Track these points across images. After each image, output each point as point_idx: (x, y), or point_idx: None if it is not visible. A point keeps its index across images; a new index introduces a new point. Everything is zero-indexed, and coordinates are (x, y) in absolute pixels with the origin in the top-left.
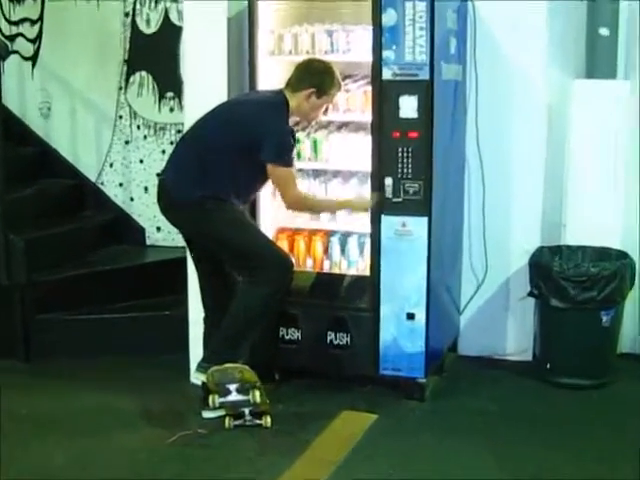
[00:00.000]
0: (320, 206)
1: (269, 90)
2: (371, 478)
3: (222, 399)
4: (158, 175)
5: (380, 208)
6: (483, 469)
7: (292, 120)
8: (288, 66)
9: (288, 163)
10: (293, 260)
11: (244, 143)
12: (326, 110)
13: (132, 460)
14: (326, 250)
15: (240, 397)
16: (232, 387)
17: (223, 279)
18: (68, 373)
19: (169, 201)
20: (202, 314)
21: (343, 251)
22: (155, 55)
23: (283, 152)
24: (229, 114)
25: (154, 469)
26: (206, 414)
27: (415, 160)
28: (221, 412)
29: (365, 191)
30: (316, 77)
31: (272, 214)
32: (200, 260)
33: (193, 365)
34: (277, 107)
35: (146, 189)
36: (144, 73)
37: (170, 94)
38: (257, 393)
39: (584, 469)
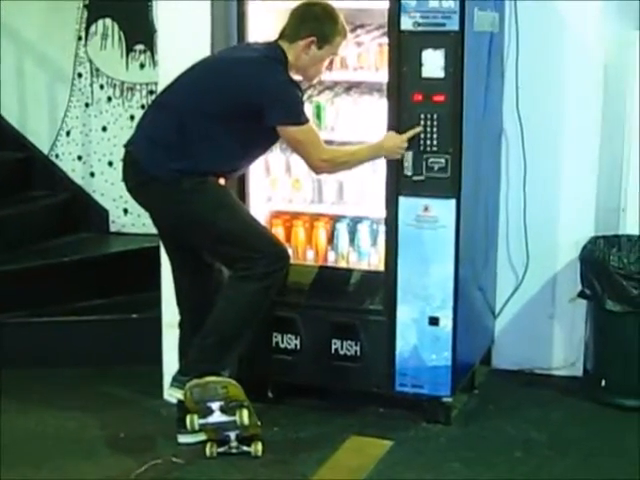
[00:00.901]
0: (355, 159)
1: (261, 43)
2: None
3: (203, 420)
4: (125, 146)
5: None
6: None
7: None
8: (284, 14)
9: (303, 120)
10: (289, 250)
11: (237, 108)
12: (330, 65)
13: None
14: (331, 239)
15: (224, 418)
16: (215, 406)
17: (203, 274)
18: (14, 388)
19: (138, 178)
20: (178, 317)
21: (352, 240)
22: None
23: (293, 108)
24: (215, 74)
25: None
26: (183, 439)
27: (441, 129)
28: (201, 437)
29: (380, 167)
30: (315, 23)
31: (264, 194)
32: (175, 251)
33: (167, 378)
34: (274, 62)
35: (110, 163)
36: (108, 21)
37: (140, 47)
38: (245, 413)
39: None
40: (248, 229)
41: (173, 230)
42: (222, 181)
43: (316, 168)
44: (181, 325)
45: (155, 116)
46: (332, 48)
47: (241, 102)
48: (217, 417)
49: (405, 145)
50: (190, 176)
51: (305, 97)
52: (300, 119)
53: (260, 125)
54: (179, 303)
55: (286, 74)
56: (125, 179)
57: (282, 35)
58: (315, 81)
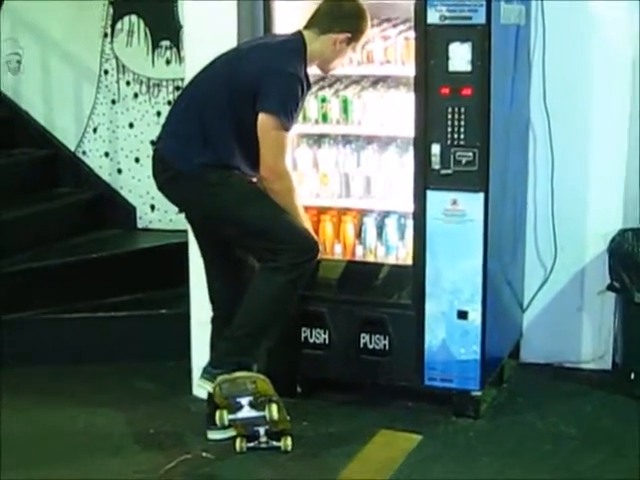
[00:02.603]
0: (289, 198)
1: (284, 33)
2: None
3: (232, 415)
4: (153, 144)
5: None
6: None
7: (315, 75)
8: (311, 8)
9: (286, 122)
10: (319, 241)
11: (249, 93)
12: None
13: None
14: (359, 234)
15: (254, 413)
16: (244, 401)
17: (235, 269)
18: (43, 385)
19: (166, 174)
20: (209, 312)
21: (380, 235)
22: None
23: (286, 104)
24: (231, 65)
25: None
26: (212, 435)
27: (468, 123)
28: (231, 432)
29: (407, 161)
30: (353, 20)
31: None
32: (207, 246)
33: (196, 374)
34: (288, 52)
35: (137, 160)
36: (134, 17)
37: (166, 43)
38: (274, 408)
39: None
40: (275, 221)
41: (204, 224)
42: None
43: (264, 168)
44: (213, 320)
45: (178, 112)
46: (356, 45)
47: (253, 87)
48: (246, 412)
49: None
50: (214, 169)
51: (331, 91)
52: (284, 117)
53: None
54: (212, 298)
55: (298, 67)
56: (155, 176)
57: (311, 23)
58: (329, 74)
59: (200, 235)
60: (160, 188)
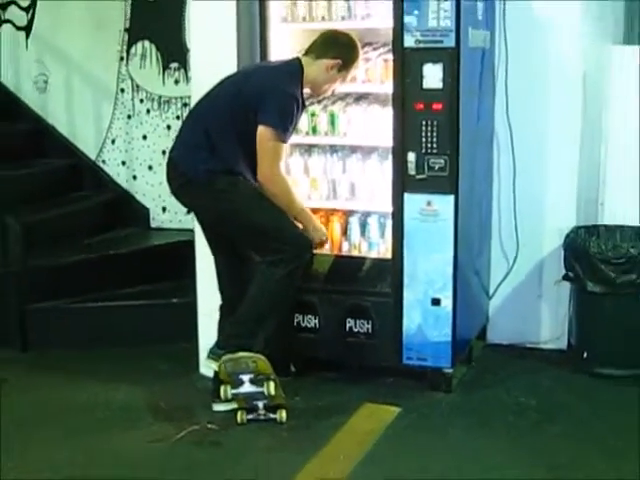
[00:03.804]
0: (288, 198)
1: (283, 60)
2: (393, 478)
3: (234, 390)
4: (164, 153)
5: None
6: (517, 469)
7: (307, 94)
8: (302, 35)
9: (282, 134)
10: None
11: (252, 108)
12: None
13: (136, 459)
14: (345, 231)
15: (254, 388)
16: (245, 378)
17: (241, 265)
18: (68, 365)
19: (179, 180)
20: (212, 301)
21: (363, 232)
22: (159, 23)
23: (283, 119)
24: (237, 85)
25: (160, 468)
26: (217, 407)
27: (440, 134)
28: (233, 405)
29: (387, 167)
30: (344, 49)
31: None
32: (217, 244)
33: (202, 356)
34: (287, 75)
35: (150, 167)
36: (147, 43)
37: (175, 65)
38: (272, 385)
39: (624, 470)
40: (277, 223)
41: (214, 225)
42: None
43: (260, 174)
44: (221, 308)
45: (189, 125)
46: (346, 74)
47: (253, 103)
48: (247, 388)
49: (325, 238)
50: (221, 175)
51: (320, 107)
52: (282, 130)
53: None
54: (220, 290)
55: (294, 88)
56: (168, 181)
57: (309, 50)
58: (321, 96)
59: (210, 235)
60: (173, 192)
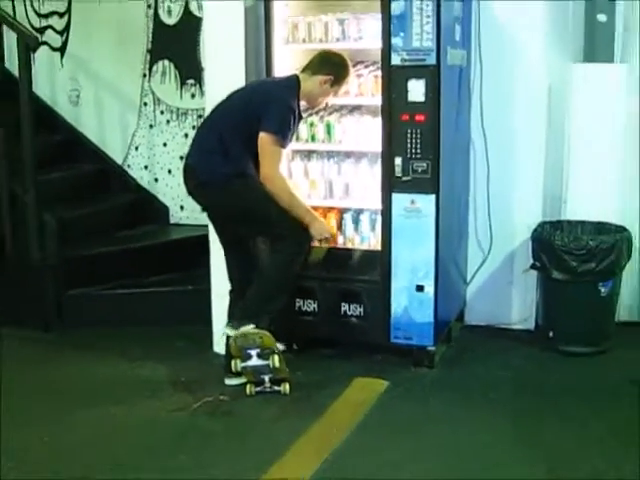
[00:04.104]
0: (290, 199)
1: (286, 75)
2: (382, 444)
3: (244, 364)
4: (182, 158)
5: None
6: (490, 434)
7: (305, 106)
8: (302, 54)
9: (281, 140)
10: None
11: (257, 117)
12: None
13: (159, 425)
14: (340, 226)
15: (260, 362)
16: (253, 352)
17: (248, 256)
18: (98, 344)
19: (195, 182)
20: (224, 288)
21: (356, 227)
22: (176, 44)
23: (282, 127)
24: (245, 98)
25: (178, 435)
26: (229, 381)
27: (423, 141)
28: (242, 379)
29: (377, 170)
30: (336, 67)
31: None
32: (227, 237)
33: (216, 336)
34: (286, 88)
35: (170, 171)
36: (166, 62)
37: (191, 81)
38: (276, 358)
39: (583, 432)
40: (281, 217)
41: (225, 220)
42: None
43: (262, 175)
44: (230, 293)
45: (204, 134)
46: (338, 89)
47: (257, 111)
48: (255, 361)
49: (328, 235)
50: (235, 178)
51: (318, 117)
52: (281, 137)
53: None
54: (230, 277)
55: (293, 101)
56: (185, 183)
57: (307, 67)
58: (315, 109)
59: (221, 230)
60: (189, 193)
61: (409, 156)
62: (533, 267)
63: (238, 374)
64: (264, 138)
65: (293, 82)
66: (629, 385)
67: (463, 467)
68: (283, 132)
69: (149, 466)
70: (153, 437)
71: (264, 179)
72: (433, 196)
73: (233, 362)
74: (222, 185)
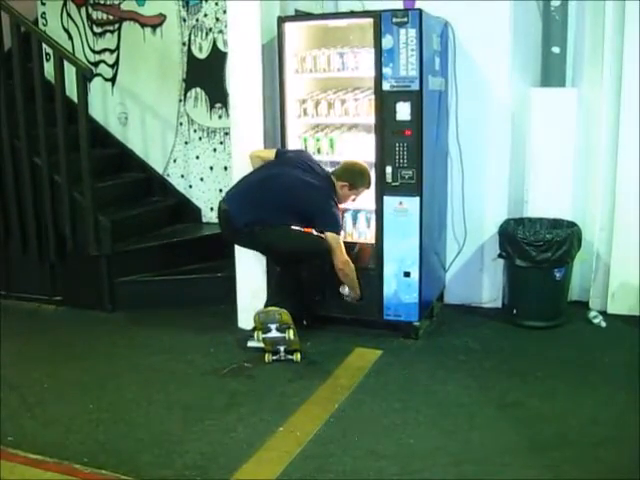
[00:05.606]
0: (353, 274)
1: (320, 170)
2: (377, 400)
3: (264, 335)
4: (221, 202)
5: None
6: (465, 389)
7: (308, 124)
8: (309, 81)
9: (339, 230)
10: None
11: (307, 215)
12: (354, 199)
13: (193, 385)
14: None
15: (278, 334)
16: (273, 326)
17: (285, 269)
18: (144, 322)
19: (232, 229)
20: (246, 275)
21: (354, 224)
22: (206, 75)
23: (339, 222)
24: (288, 188)
25: (211, 392)
26: (250, 343)
27: (409, 152)
28: (261, 345)
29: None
30: (353, 175)
31: None
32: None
33: (240, 315)
34: (328, 190)
35: (201, 179)
36: (198, 89)
37: (218, 105)
38: (291, 332)
39: (540, 390)
40: (305, 242)
41: (262, 253)
42: None
43: (339, 263)
44: (268, 291)
45: (242, 192)
46: (357, 192)
47: (304, 213)
48: (273, 333)
49: (358, 298)
50: (270, 229)
51: (323, 134)
52: (339, 229)
53: (302, 224)
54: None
55: (333, 202)
56: (222, 229)
57: (334, 172)
58: (342, 205)
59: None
60: (225, 237)
61: (397, 165)
62: (500, 256)
63: (259, 340)
64: (331, 237)
65: (331, 185)
66: (577, 353)
67: (443, 411)
68: (339, 227)
69: (188, 418)
70: (189, 394)
71: (342, 263)
72: (417, 198)
73: (256, 333)
74: (250, 233)
